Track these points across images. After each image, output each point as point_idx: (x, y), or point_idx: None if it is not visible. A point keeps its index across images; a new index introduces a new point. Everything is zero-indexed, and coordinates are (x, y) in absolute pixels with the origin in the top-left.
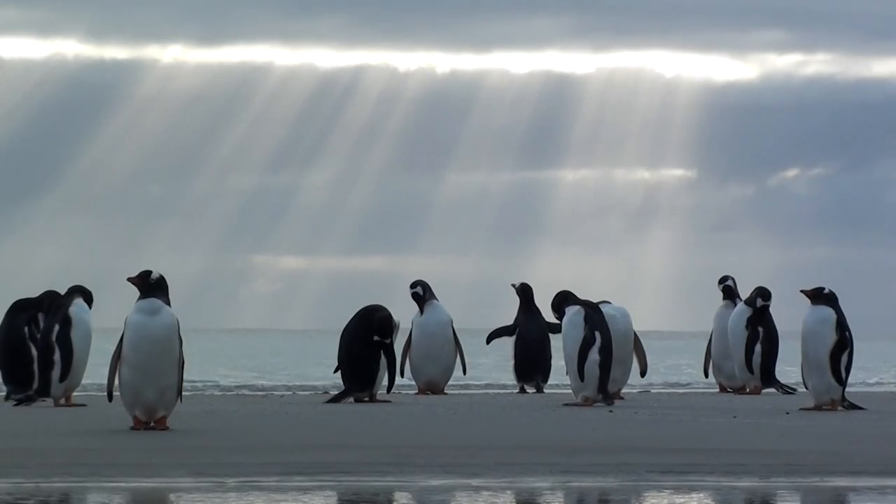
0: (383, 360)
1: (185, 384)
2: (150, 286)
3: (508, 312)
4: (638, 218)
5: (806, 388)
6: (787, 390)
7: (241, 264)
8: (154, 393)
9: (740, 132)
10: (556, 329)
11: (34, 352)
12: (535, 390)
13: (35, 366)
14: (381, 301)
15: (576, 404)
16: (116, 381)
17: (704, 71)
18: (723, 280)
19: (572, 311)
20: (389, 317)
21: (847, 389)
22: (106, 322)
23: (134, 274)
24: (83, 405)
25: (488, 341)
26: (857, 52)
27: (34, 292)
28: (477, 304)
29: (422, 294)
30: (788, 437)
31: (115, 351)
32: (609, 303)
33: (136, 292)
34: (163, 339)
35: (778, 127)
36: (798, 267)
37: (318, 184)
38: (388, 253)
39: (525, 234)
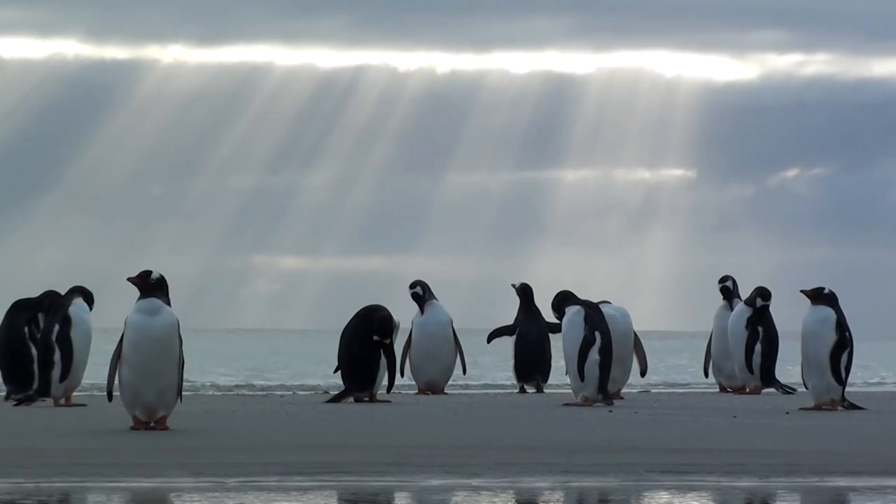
0: (383, 360)
1: (184, 384)
2: (150, 286)
3: (508, 312)
4: (638, 218)
5: (806, 388)
6: (787, 390)
7: (241, 264)
8: (154, 393)
9: (740, 132)
10: (557, 329)
11: (34, 352)
12: (535, 390)
13: (35, 366)
14: (381, 301)
15: (576, 404)
16: (116, 381)
17: (704, 71)
18: (723, 280)
19: (572, 311)
20: (389, 317)
21: (849, 389)
22: (106, 322)
23: (134, 274)
24: (83, 405)
25: (489, 341)
26: (857, 52)
27: (34, 292)
28: (477, 304)
29: (421, 294)
30: (788, 437)
31: (115, 351)
32: (609, 303)
33: (136, 292)
34: (163, 339)
35: (778, 127)
36: (798, 267)
37: (318, 184)
38: (388, 253)
39: (525, 234)
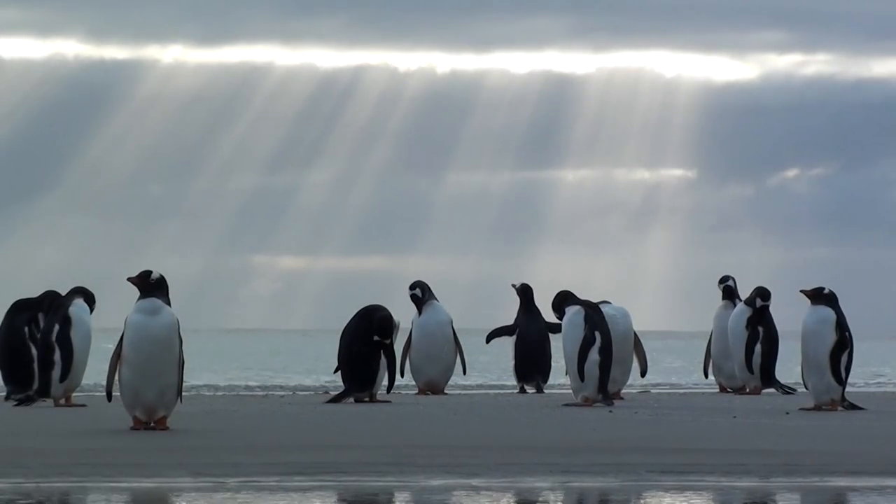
0: (383, 360)
1: (184, 385)
2: (151, 286)
3: (508, 312)
4: (638, 218)
5: (806, 388)
6: (787, 390)
7: (241, 264)
8: (154, 393)
9: (740, 132)
10: (556, 329)
11: (34, 352)
12: (535, 390)
13: (35, 366)
14: (381, 301)
15: (576, 404)
16: (116, 381)
17: (704, 71)
18: (723, 280)
19: (572, 311)
20: (389, 317)
21: (851, 389)
22: (106, 322)
23: (134, 274)
24: (83, 405)
25: (488, 341)
26: (857, 52)
27: (34, 292)
28: (477, 304)
29: (420, 296)
30: (788, 437)
31: (115, 351)
32: (609, 303)
33: (136, 292)
34: (163, 339)
35: (778, 127)
36: (798, 267)
37: (318, 184)
38: (388, 253)
39: (525, 234)
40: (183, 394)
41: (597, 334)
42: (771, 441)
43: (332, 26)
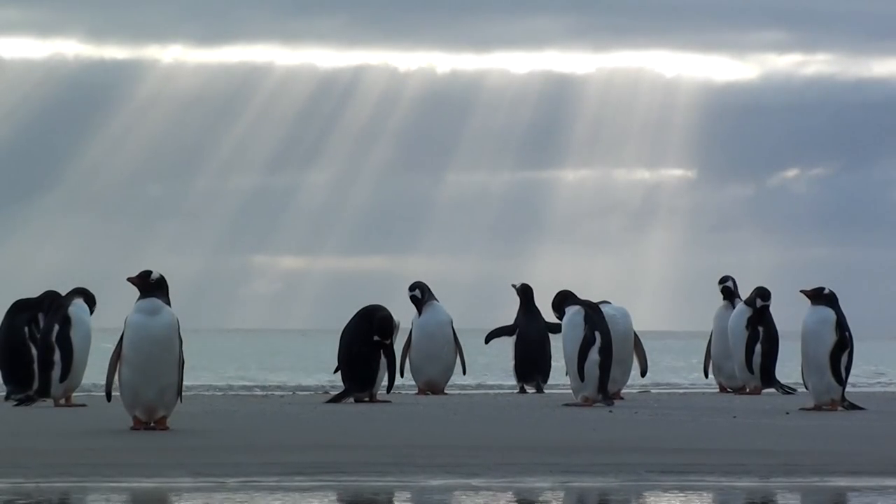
0: (383, 360)
1: (184, 385)
2: (150, 286)
3: (508, 312)
4: (638, 218)
5: (806, 388)
6: (787, 390)
7: (241, 264)
8: (154, 393)
9: (740, 132)
10: (557, 329)
11: (34, 352)
12: (535, 390)
13: (35, 366)
14: (381, 301)
15: (576, 404)
16: (116, 381)
17: (704, 71)
18: (723, 281)
19: (572, 311)
20: (389, 317)
21: (851, 389)
22: (106, 322)
23: (134, 274)
24: (83, 405)
25: (487, 341)
26: (857, 52)
27: (34, 292)
28: (477, 304)
29: (420, 297)
30: (788, 437)
31: (115, 350)
32: (609, 303)
33: (136, 292)
34: (163, 339)
35: (778, 127)
36: (798, 267)
37: (318, 184)
38: (388, 253)
39: (525, 234)
40: (183, 394)
41: (597, 334)
42: (771, 441)
43: (332, 26)
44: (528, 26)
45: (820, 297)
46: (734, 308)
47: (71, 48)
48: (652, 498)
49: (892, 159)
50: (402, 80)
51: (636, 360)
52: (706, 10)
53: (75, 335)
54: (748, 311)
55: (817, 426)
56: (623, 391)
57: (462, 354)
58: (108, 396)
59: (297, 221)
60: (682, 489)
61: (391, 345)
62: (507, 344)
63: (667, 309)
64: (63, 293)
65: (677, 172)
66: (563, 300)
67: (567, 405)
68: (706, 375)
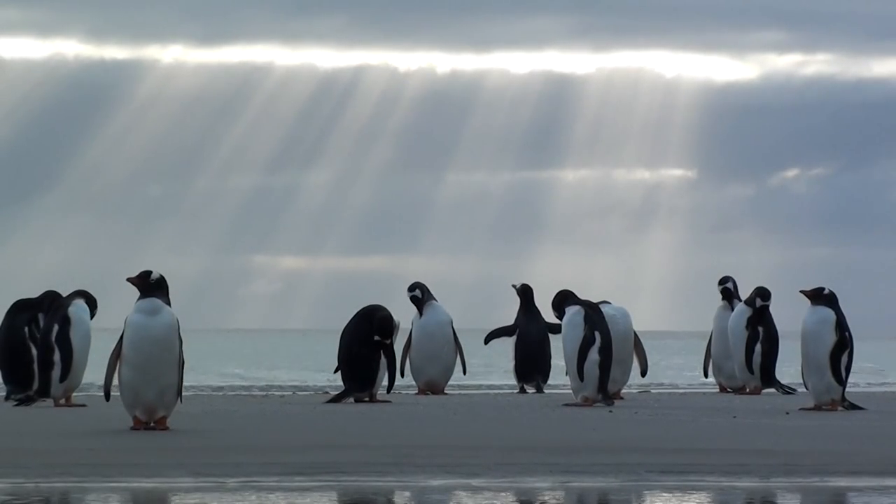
0: (383, 360)
1: (184, 385)
2: (150, 286)
3: (508, 312)
4: (638, 218)
5: (806, 388)
6: (787, 390)
7: (241, 264)
8: (154, 393)
9: (740, 132)
10: (557, 329)
11: (34, 352)
12: (535, 390)
13: (35, 366)
14: (381, 301)
15: (576, 404)
16: (115, 381)
17: (704, 71)
18: (723, 281)
19: (572, 311)
20: (389, 317)
21: (854, 389)
22: (106, 322)
23: (134, 274)
24: (83, 405)
25: (486, 342)
26: (857, 52)
27: (34, 292)
28: (477, 304)
29: (420, 297)
30: (788, 437)
31: (114, 350)
32: (609, 303)
33: (136, 292)
34: (163, 339)
35: (778, 127)
36: (798, 267)
37: (318, 184)
38: (388, 253)
39: (525, 234)
40: (183, 394)
41: (597, 334)
42: (771, 441)
43: (332, 26)
44: (528, 26)
45: (820, 297)
46: (734, 308)
47: (71, 48)
48: (652, 498)
49: (892, 159)
50: (402, 80)
51: (636, 360)
52: (706, 10)
53: (75, 335)
54: (748, 311)
55: (817, 426)
56: (623, 391)
57: (462, 354)
58: (107, 396)
59: (297, 221)
60: (682, 489)
61: (391, 345)
62: (508, 344)
63: (667, 309)
64: (63, 293)
65: (677, 172)
66: (563, 300)
67: (567, 405)
68: (706, 375)
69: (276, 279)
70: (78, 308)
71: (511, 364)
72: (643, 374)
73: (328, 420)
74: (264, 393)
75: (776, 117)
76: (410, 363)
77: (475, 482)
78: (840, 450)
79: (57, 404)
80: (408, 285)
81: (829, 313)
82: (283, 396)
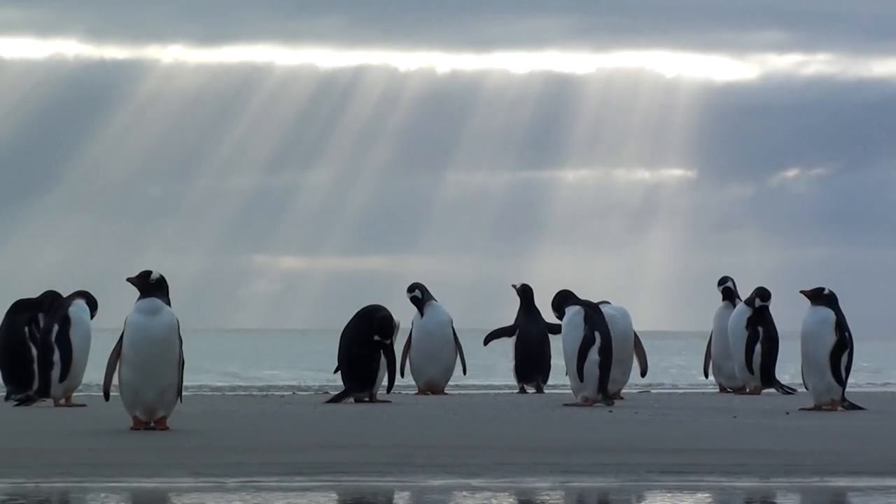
0: (383, 360)
1: (184, 385)
2: (150, 286)
3: (508, 313)
4: (638, 218)
5: (806, 388)
6: (787, 390)
7: (241, 264)
8: (154, 393)
9: (740, 132)
10: (557, 330)
11: (34, 352)
12: (535, 390)
13: (35, 366)
14: (381, 301)
15: (576, 404)
16: (115, 381)
17: (704, 71)
18: (722, 281)
19: (572, 311)
20: (390, 317)
21: (854, 389)
22: (106, 322)
23: (134, 274)
24: (83, 405)
25: (486, 342)
26: (857, 52)
27: (34, 292)
28: (477, 305)
29: (420, 297)
30: (788, 437)
31: (114, 350)
32: (609, 303)
33: (136, 292)
34: (163, 339)
35: (778, 127)
36: (798, 267)
37: (318, 184)
38: (388, 253)
39: (525, 234)
40: (183, 394)
41: (597, 334)
42: (771, 441)
43: (332, 26)
44: (529, 26)
45: (820, 297)
46: (734, 308)
47: (71, 48)
48: (652, 498)
49: (892, 159)
50: (402, 80)
51: (636, 360)
52: (706, 10)
53: (75, 335)
54: (748, 312)
55: (817, 426)
56: (623, 391)
57: (462, 354)
58: (107, 396)
59: (297, 221)
60: (682, 489)
61: (391, 345)
62: (508, 344)
63: (667, 309)
64: (63, 293)
65: (677, 172)
66: (563, 300)
67: (567, 405)
68: (706, 375)
69: (276, 279)
70: (78, 308)
71: (511, 364)
72: (643, 374)
73: (328, 420)
74: (264, 393)
75: (776, 117)
76: (410, 363)
77: (475, 482)
78: (840, 450)
79: (57, 404)
80: (407, 286)
81: (829, 313)
82: (283, 396)
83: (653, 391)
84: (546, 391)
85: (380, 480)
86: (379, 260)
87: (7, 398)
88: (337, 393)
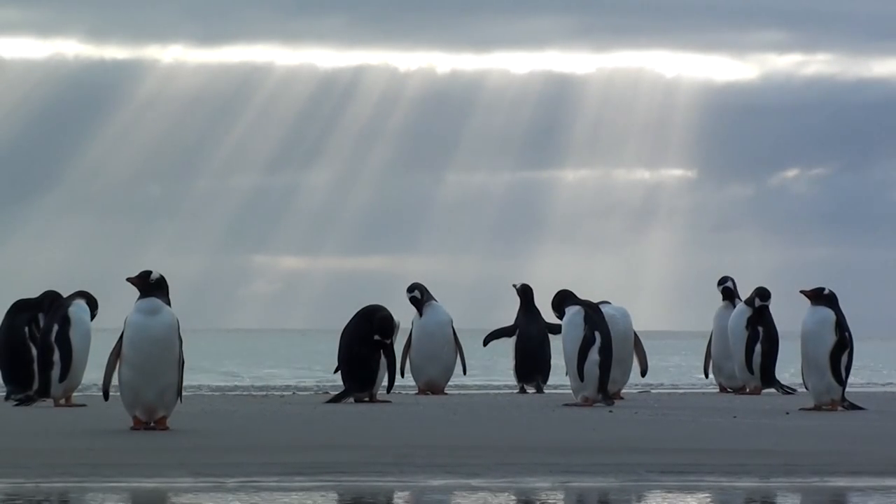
0: (383, 360)
1: (184, 385)
2: (150, 286)
3: (508, 313)
4: (638, 218)
5: (806, 388)
6: (787, 390)
7: (241, 264)
8: (154, 393)
9: (740, 132)
10: (557, 330)
11: (34, 352)
12: (535, 390)
13: (35, 366)
14: (381, 301)
15: (576, 404)
16: (115, 381)
17: (704, 71)
18: (722, 281)
19: (572, 311)
20: (390, 317)
21: (854, 389)
22: (106, 322)
23: (134, 274)
24: (83, 405)
25: (486, 342)
26: (857, 52)
27: (34, 292)
28: (477, 305)
29: (420, 297)
30: (788, 437)
31: (114, 350)
32: (609, 303)
33: (135, 292)
34: (163, 339)
35: (778, 127)
36: (798, 267)
37: (318, 184)
38: (388, 253)
39: (525, 235)
40: (183, 394)
41: (597, 334)
42: (771, 441)
43: (332, 26)
44: (529, 26)
45: (820, 297)
46: (734, 308)
47: (71, 48)
48: (652, 498)
49: (892, 159)
50: (402, 80)
51: (636, 360)
52: (706, 10)
53: (75, 335)
54: (748, 311)
55: (817, 426)
56: (623, 391)
57: (462, 354)
58: (106, 396)
59: (297, 221)
60: (682, 489)
61: (391, 345)
62: (508, 344)
63: (667, 309)
64: (63, 293)
65: (677, 172)
66: (563, 300)
67: (567, 405)
68: (706, 375)
69: (275, 279)
70: (78, 308)
71: (511, 364)
72: (643, 374)
73: (328, 420)
74: (264, 393)
75: (776, 117)
76: (410, 363)
77: (475, 482)
78: (840, 450)
79: (57, 404)
80: (407, 286)
81: (829, 313)
82: (283, 396)
83: (653, 391)
84: (546, 391)
85: (380, 480)
86: (379, 260)
87: (7, 398)
88: (337, 393)
